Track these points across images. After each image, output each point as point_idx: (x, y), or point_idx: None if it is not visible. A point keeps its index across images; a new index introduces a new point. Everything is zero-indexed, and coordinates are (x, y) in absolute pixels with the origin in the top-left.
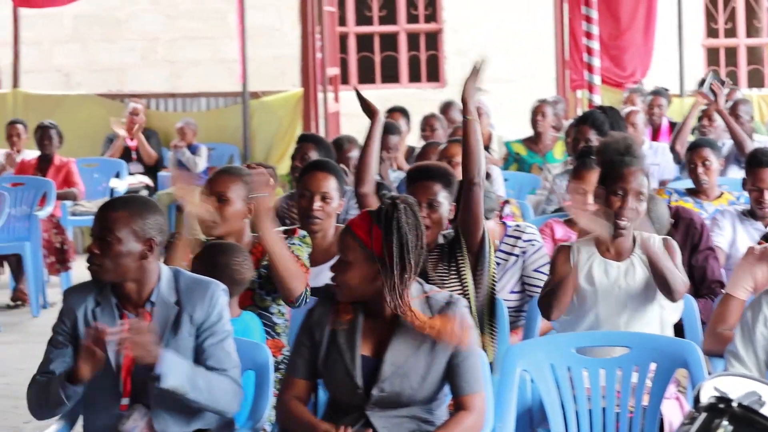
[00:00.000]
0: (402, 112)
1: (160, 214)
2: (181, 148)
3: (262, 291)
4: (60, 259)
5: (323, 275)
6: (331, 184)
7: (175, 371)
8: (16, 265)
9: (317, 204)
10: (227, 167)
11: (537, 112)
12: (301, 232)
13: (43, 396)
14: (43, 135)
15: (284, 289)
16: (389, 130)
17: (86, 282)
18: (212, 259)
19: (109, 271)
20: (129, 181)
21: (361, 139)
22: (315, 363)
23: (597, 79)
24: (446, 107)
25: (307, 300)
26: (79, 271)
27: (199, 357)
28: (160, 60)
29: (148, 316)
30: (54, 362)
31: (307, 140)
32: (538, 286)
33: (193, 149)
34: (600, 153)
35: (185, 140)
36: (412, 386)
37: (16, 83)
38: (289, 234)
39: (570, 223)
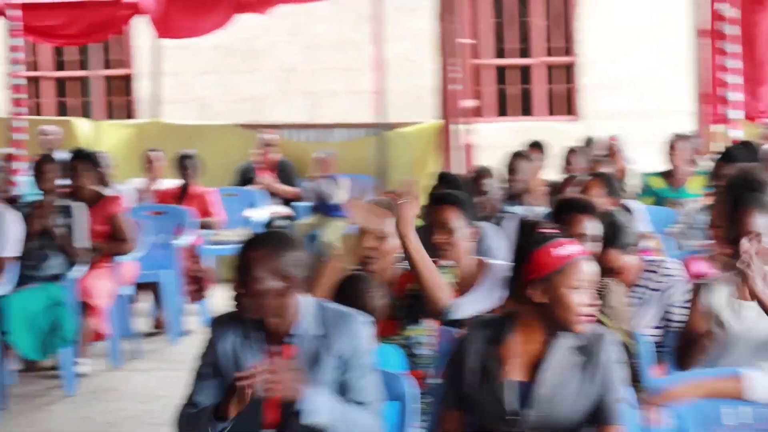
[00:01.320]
0: (538, 146)
1: (299, 249)
2: (319, 178)
3: (406, 321)
4: (198, 288)
5: (464, 306)
6: (453, 216)
7: (319, 406)
8: (156, 292)
9: (441, 238)
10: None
11: (671, 146)
12: (447, 262)
13: (191, 429)
14: (183, 164)
15: (430, 299)
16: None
17: (231, 312)
18: (347, 290)
19: (252, 308)
20: (268, 211)
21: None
22: (464, 392)
23: (737, 114)
24: (587, 143)
25: (453, 316)
26: (217, 299)
27: (342, 390)
28: (298, 91)
29: (292, 350)
30: (200, 393)
31: (440, 180)
32: (678, 321)
33: (333, 180)
34: (728, 187)
35: (326, 171)
36: (566, 409)
37: (156, 113)
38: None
39: (709, 259)
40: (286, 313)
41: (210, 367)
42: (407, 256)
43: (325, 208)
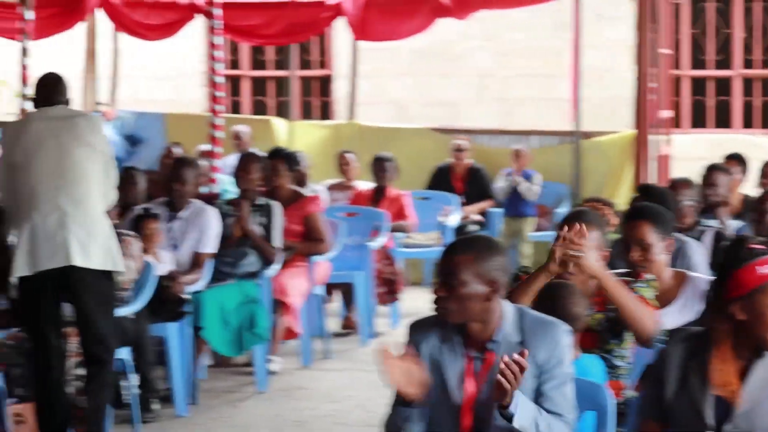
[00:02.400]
0: (738, 159)
1: (503, 255)
2: (516, 173)
3: (608, 334)
4: (389, 290)
5: (664, 319)
6: (648, 231)
7: (524, 411)
8: (347, 293)
9: (636, 254)
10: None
11: None
12: (648, 275)
13: (392, 426)
14: (379, 167)
15: (636, 330)
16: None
17: (431, 317)
18: (549, 298)
19: (455, 312)
20: (460, 215)
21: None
22: (664, 403)
23: None
24: None
25: (659, 340)
26: (408, 302)
27: (537, 398)
28: (492, 96)
29: (493, 356)
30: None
31: (641, 191)
32: None
33: (527, 175)
34: None
35: (519, 164)
36: (765, 427)
37: (352, 115)
38: (633, 277)
39: None
40: (488, 319)
41: None
42: (607, 293)
43: (517, 207)
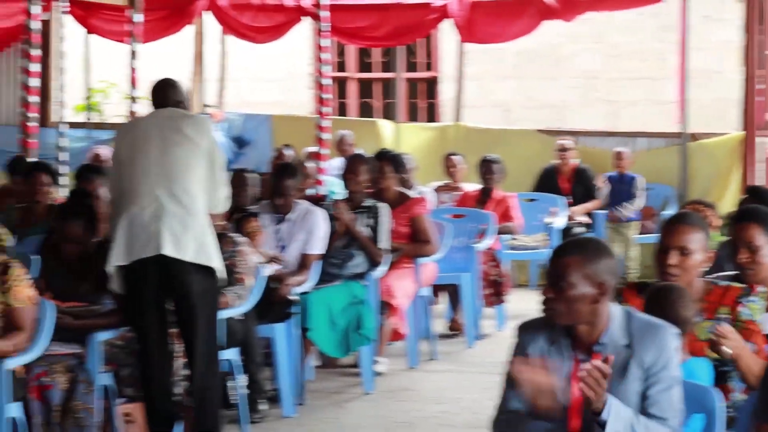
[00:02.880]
0: None
1: (612, 257)
2: (618, 175)
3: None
4: (495, 292)
5: None
6: (756, 234)
7: (617, 418)
8: (454, 295)
9: (744, 256)
10: (683, 215)
11: None
12: (760, 288)
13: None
14: (486, 169)
15: (748, 382)
16: None
17: (539, 318)
18: (658, 300)
19: (563, 314)
20: (566, 217)
21: None
22: None
23: None
24: None
25: None
26: (514, 304)
27: (642, 402)
28: (598, 99)
29: (600, 358)
30: (512, 400)
31: (749, 193)
32: None
33: (628, 179)
34: None
35: (621, 167)
36: None
37: (458, 117)
38: (741, 280)
39: None
40: (596, 321)
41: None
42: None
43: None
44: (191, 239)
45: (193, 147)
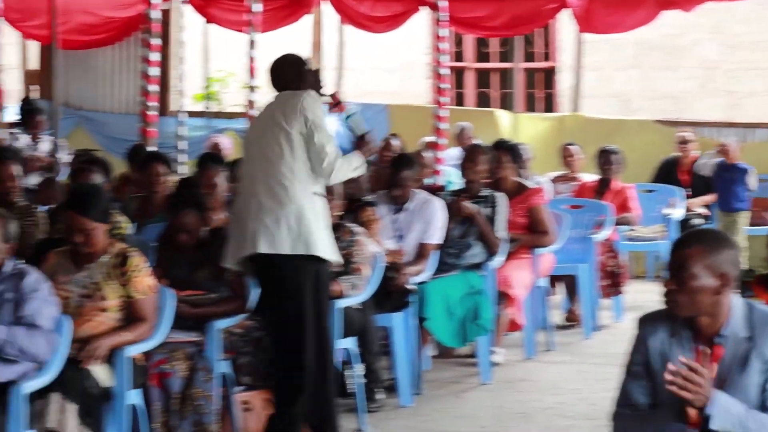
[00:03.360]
0: None
1: (734, 248)
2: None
3: None
4: (613, 283)
5: None
6: None
7: (725, 413)
8: (571, 286)
9: None
10: None
11: None
12: None
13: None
14: (605, 159)
15: None
16: None
17: (659, 310)
18: None
19: (684, 306)
20: (685, 208)
21: None
22: None
23: None
24: None
25: None
26: (631, 295)
27: (762, 395)
28: (718, 89)
29: (720, 350)
30: (633, 393)
31: None
32: None
33: (741, 169)
34: None
35: (729, 157)
36: None
37: (576, 107)
38: None
39: None
40: (717, 312)
41: (641, 366)
42: None
43: (730, 201)
44: (285, 232)
45: (284, 132)
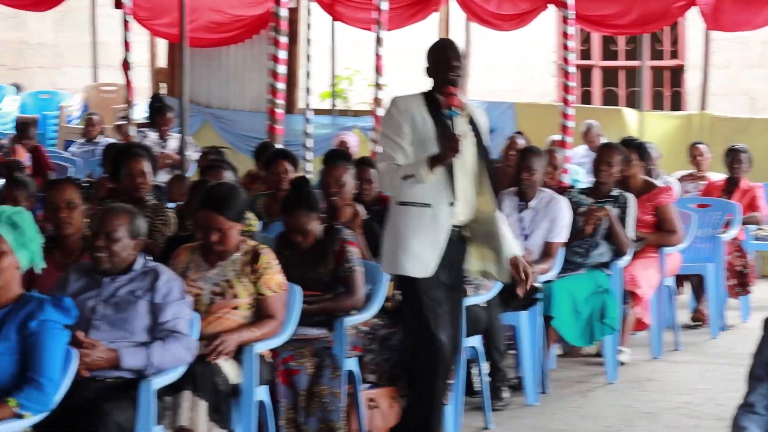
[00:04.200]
0: None
1: None
2: None
3: None
4: (740, 283)
5: None
6: None
7: None
8: (698, 285)
9: None
10: None
11: None
12: None
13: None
14: (734, 158)
15: None
16: None
17: None
18: None
19: None
20: None
21: None
22: None
23: None
24: None
25: None
26: (759, 295)
27: None
28: None
29: None
30: (754, 395)
31: None
32: None
33: None
34: None
35: None
36: None
37: (703, 106)
38: None
39: None
40: None
41: (764, 367)
42: None
43: None
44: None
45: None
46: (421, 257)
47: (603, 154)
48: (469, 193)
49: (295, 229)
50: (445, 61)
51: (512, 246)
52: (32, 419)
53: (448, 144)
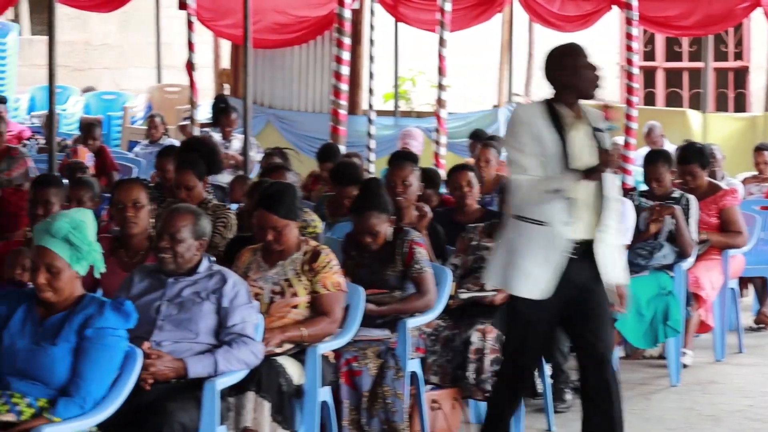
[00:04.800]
0: None
1: None
2: None
3: None
4: None
5: None
6: None
7: None
8: (761, 288)
9: None
10: None
11: None
12: None
13: None
14: None
15: None
16: None
17: None
18: None
19: None
20: None
21: None
22: None
23: None
24: None
25: None
26: None
27: None
28: None
29: None
30: None
31: None
32: None
33: None
34: None
35: None
36: None
37: None
38: None
39: None
40: None
41: None
42: None
43: None
44: None
45: None
46: (533, 276)
47: (649, 172)
48: (589, 209)
49: (365, 230)
50: (580, 68)
51: (620, 272)
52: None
53: (603, 160)
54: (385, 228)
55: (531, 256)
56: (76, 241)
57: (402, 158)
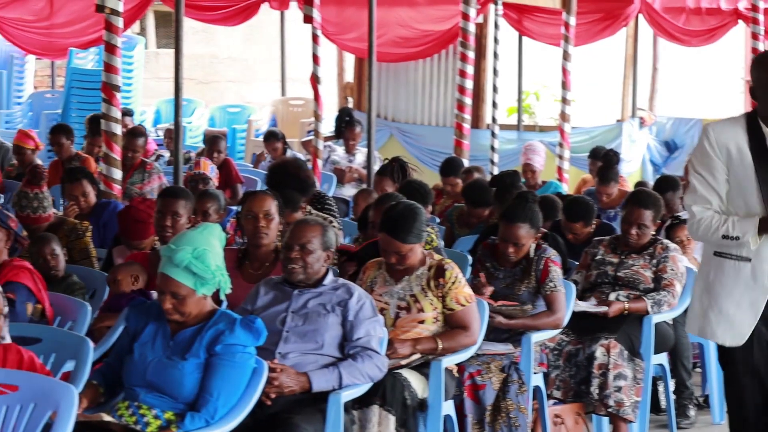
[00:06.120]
0: None
1: None
2: None
3: None
4: None
5: None
6: None
7: None
8: None
9: None
10: None
11: None
12: None
13: None
14: None
15: None
16: None
17: None
18: None
19: None
20: None
21: None
22: None
23: None
24: None
25: None
26: None
27: None
28: None
29: None
30: None
31: None
32: None
33: None
34: None
35: None
36: None
37: None
38: None
39: None
40: None
41: None
42: None
43: None
44: None
45: None
46: (735, 322)
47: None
48: None
49: (512, 239)
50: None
51: None
52: None
53: None
54: (529, 243)
55: (734, 297)
56: (199, 271)
57: None
